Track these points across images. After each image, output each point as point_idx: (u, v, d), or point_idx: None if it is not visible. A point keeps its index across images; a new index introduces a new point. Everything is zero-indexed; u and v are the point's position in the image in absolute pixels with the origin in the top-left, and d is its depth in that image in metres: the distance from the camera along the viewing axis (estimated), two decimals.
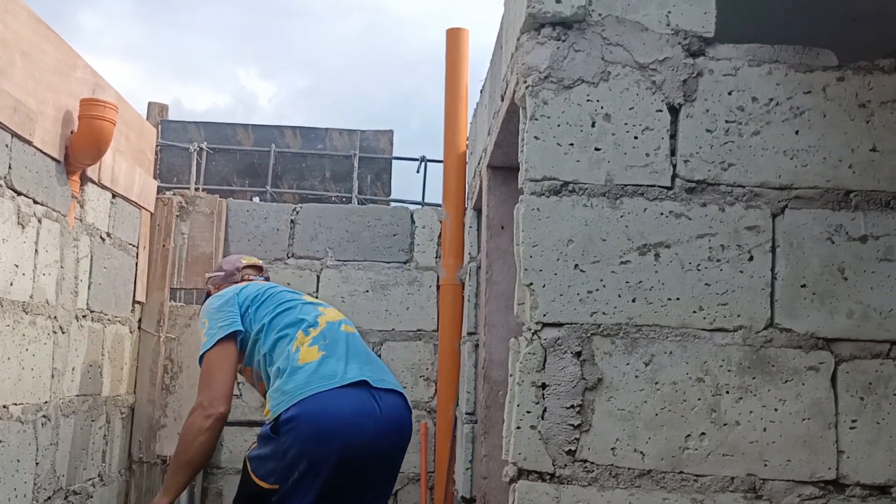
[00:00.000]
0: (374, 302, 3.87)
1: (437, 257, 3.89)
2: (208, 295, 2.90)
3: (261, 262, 3.01)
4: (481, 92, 3.16)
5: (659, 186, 1.79)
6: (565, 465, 1.73)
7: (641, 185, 1.79)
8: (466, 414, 3.24)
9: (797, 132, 1.80)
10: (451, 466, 3.66)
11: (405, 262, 3.91)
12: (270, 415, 2.38)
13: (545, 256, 1.77)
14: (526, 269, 1.77)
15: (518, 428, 1.73)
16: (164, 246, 3.69)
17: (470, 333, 3.30)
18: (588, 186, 1.79)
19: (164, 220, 3.71)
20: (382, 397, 2.40)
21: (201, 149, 3.87)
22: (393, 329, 3.86)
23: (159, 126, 3.93)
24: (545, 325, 1.76)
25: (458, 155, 3.82)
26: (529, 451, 1.73)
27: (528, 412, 1.73)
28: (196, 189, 3.87)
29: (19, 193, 2.47)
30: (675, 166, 1.80)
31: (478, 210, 3.33)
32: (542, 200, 1.79)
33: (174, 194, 3.78)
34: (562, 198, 1.79)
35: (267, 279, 2.95)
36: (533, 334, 1.76)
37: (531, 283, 1.77)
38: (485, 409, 2.52)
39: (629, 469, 1.72)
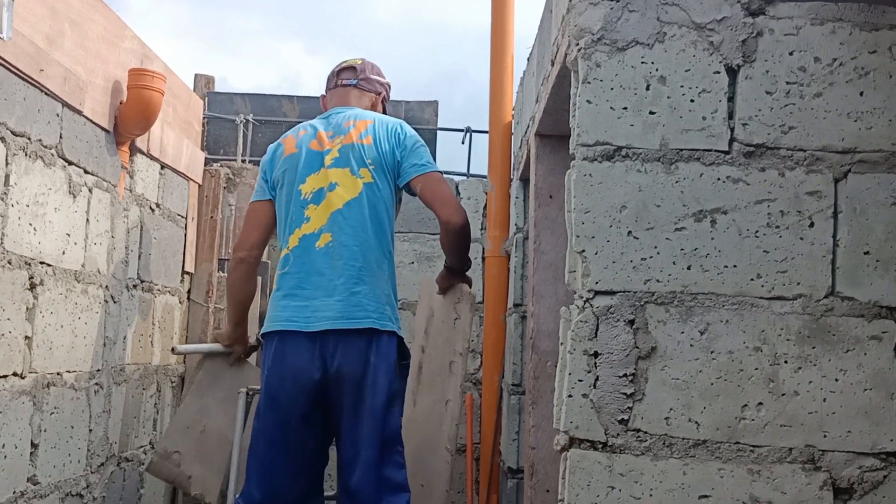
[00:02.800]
0: (419, 274, 3.85)
1: (482, 229, 3.86)
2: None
3: (359, 61, 2.91)
4: (528, 60, 3.11)
5: (716, 151, 1.74)
6: (618, 435, 1.70)
7: (697, 150, 1.74)
8: (512, 385, 3.23)
9: (862, 93, 1.73)
10: (497, 438, 3.65)
11: None
12: None
13: (598, 223, 1.74)
14: (578, 237, 1.74)
15: (570, 396, 1.71)
16: (211, 217, 3.72)
17: (516, 305, 3.28)
18: (642, 151, 1.74)
19: (212, 192, 3.73)
20: (327, 345, 2.44)
21: (247, 120, 3.88)
22: None
23: (206, 98, 3.95)
24: (597, 292, 1.73)
25: (503, 125, 3.78)
26: (581, 420, 1.70)
27: (580, 381, 1.71)
28: (243, 161, 3.88)
29: (70, 163, 2.49)
30: (732, 130, 1.74)
31: (524, 180, 3.30)
32: (595, 166, 1.75)
33: (221, 166, 3.80)
34: (615, 163, 1.75)
35: (361, 78, 2.85)
36: (585, 302, 1.73)
37: (583, 251, 1.73)
38: (533, 380, 2.50)
39: (683, 439, 1.69)
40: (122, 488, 2.98)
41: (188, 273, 3.62)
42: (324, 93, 2.91)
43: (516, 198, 3.32)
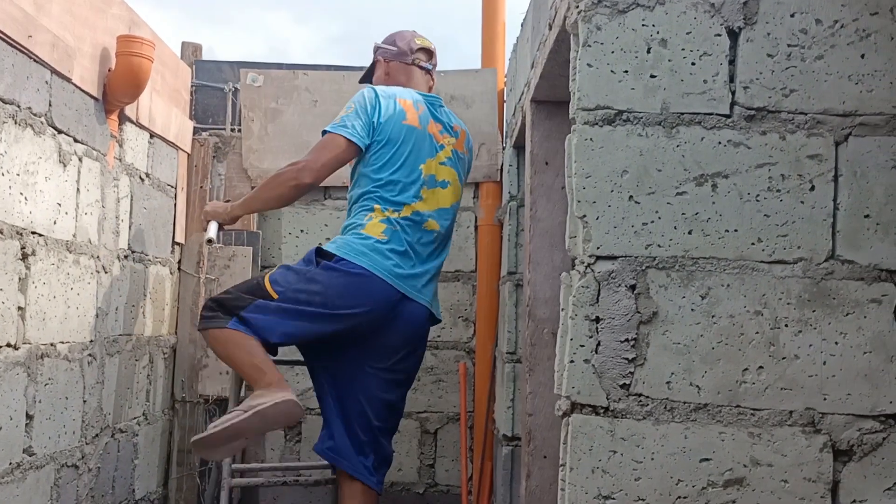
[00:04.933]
0: None
1: (474, 198, 3.85)
2: (373, 65, 3.01)
3: (433, 45, 2.98)
4: (522, 26, 3.08)
5: (717, 114, 1.73)
6: (619, 399, 1.70)
7: (699, 114, 1.73)
8: (507, 353, 3.23)
9: (863, 56, 1.73)
10: (491, 406, 3.67)
11: None
12: (330, 244, 2.68)
13: (599, 188, 1.73)
14: (579, 202, 1.73)
15: (571, 362, 1.71)
16: (201, 187, 3.68)
17: (510, 273, 3.27)
18: (643, 115, 1.73)
19: (201, 162, 3.70)
20: (408, 305, 2.67)
21: (236, 89, 3.83)
22: None
23: (193, 66, 3.89)
24: (599, 258, 1.72)
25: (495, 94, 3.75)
26: (583, 385, 1.70)
27: (582, 346, 1.71)
28: (232, 130, 3.83)
29: (60, 132, 2.45)
30: (733, 93, 1.73)
31: (518, 148, 3.28)
32: (596, 130, 1.74)
33: (210, 135, 3.75)
34: (616, 127, 1.73)
35: (434, 66, 2.98)
36: (586, 267, 1.72)
37: (584, 216, 1.73)
38: (530, 347, 2.50)
39: (685, 403, 1.70)
40: (117, 459, 2.98)
41: (178, 244, 3.59)
42: (383, 57, 2.95)
43: (510, 165, 3.30)
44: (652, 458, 1.69)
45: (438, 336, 3.82)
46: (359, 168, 2.77)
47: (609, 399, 1.70)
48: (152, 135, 3.22)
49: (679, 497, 1.69)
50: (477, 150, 3.70)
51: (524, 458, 2.50)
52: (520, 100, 2.97)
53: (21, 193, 2.23)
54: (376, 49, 3.02)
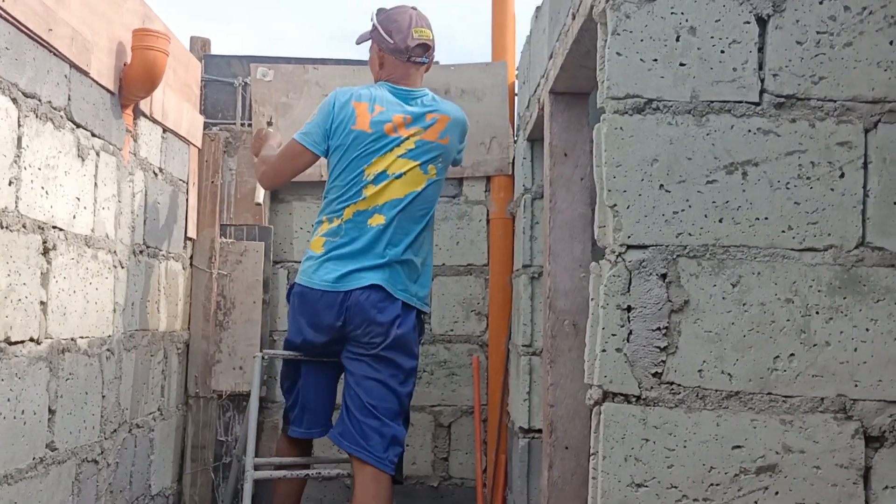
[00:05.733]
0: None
1: (486, 191, 3.85)
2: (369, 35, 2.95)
3: (431, 37, 2.90)
4: (536, 17, 3.07)
5: (746, 102, 1.73)
6: (651, 388, 1.70)
7: (728, 102, 1.73)
8: (523, 346, 3.23)
9: (892, 42, 1.73)
10: (505, 399, 3.68)
11: (454, 197, 3.87)
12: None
13: (629, 177, 1.72)
14: (609, 191, 1.73)
15: (603, 351, 1.71)
16: (212, 182, 3.67)
17: (525, 266, 3.27)
18: (673, 103, 1.73)
19: (212, 157, 3.69)
20: (352, 295, 2.72)
21: (245, 83, 3.82)
22: (443, 264, 3.84)
23: (202, 61, 3.87)
24: (629, 247, 1.72)
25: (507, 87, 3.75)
26: (615, 374, 1.70)
27: (614, 335, 1.71)
28: (242, 124, 3.83)
29: (78, 126, 2.45)
30: (763, 81, 1.73)
31: (531, 141, 3.28)
32: (625, 119, 1.73)
33: (220, 130, 3.75)
34: (645, 116, 1.73)
35: (431, 59, 2.94)
36: (617, 257, 1.72)
37: (615, 205, 1.72)
38: (550, 339, 2.50)
39: (716, 391, 1.70)
40: (134, 454, 2.97)
41: (191, 239, 3.58)
42: (378, 45, 2.90)
43: (523, 158, 3.30)
44: (684, 446, 1.69)
45: (451, 330, 3.82)
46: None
47: (641, 387, 1.70)
48: (165, 129, 3.22)
49: (712, 484, 1.69)
50: (488, 144, 3.70)
51: (545, 450, 2.50)
52: (535, 92, 2.96)
53: (42, 188, 2.23)
54: (373, 28, 2.92)
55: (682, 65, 1.73)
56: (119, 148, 2.77)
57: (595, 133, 1.79)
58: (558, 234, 2.53)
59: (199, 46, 3.92)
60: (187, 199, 3.51)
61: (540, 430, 3.21)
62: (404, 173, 2.79)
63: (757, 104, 1.73)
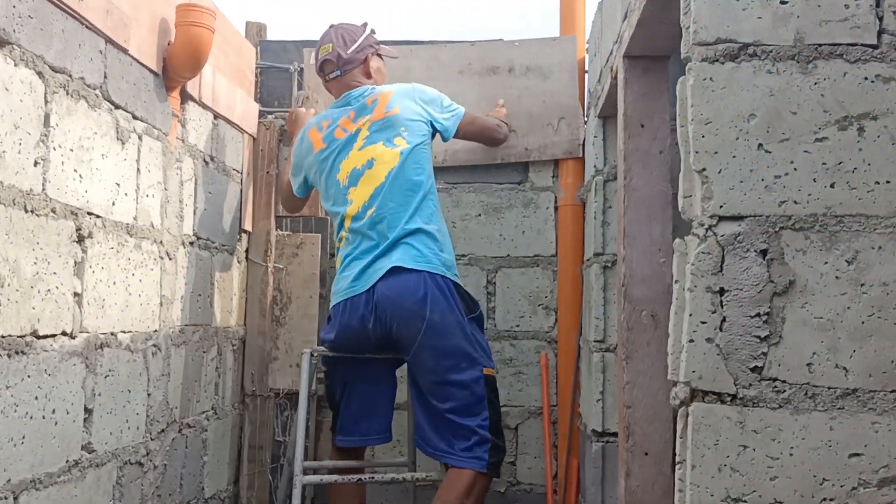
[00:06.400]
0: (486, 227, 3.61)
1: (553, 176, 3.60)
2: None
3: (329, 48, 2.93)
4: None
5: (862, 45, 1.46)
6: (750, 385, 1.45)
7: (840, 45, 1.46)
8: (595, 342, 2.98)
9: None
10: (576, 399, 3.43)
11: (519, 183, 3.63)
12: None
13: (721, 136, 1.47)
14: (697, 153, 1.48)
15: (691, 342, 1.46)
16: (267, 172, 3.52)
17: (597, 254, 3.02)
18: (773, 48, 1.47)
19: (268, 146, 3.53)
20: (375, 291, 2.60)
21: (302, 69, 3.66)
22: (508, 255, 3.61)
23: (258, 47, 3.73)
24: (722, 218, 1.47)
25: (577, 61, 3.50)
26: (705, 369, 1.45)
27: (703, 323, 1.46)
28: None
29: (117, 106, 2.30)
30: (881, 20, 1.46)
31: (603, 118, 3.02)
32: (716, 68, 1.48)
33: (276, 118, 3.59)
34: (740, 64, 1.48)
35: (344, 66, 2.92)
36: (707, 230, 1.47)
37: (703, 169, 1.47)
38: (626, 332, 2.25)
39: (829, 388, 1.43)
40: (185, 455, 2.83)
41: (246, 231, 3.43)
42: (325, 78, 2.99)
43: (594, 136, 3.05)
44: (790, 454, 1.43)
45: (517, 326, 3.59)
46: None
47: (737, 385, 1.45)
48: (216, 116, 3.07)
49: (824, 499, 1.43)
50: (556, 125, 3.46)
51: (622, 455, 2.25)
52: (606, 62, 2.71)
53: (75, 171, 2.08)
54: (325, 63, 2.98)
55: (783, 3, 1.47)
56: (164, 133, 2.62)
57: (679, 87, 1.54)
58: (634, 214, 2.27)
59: (255, 32, 3.78)
60: (241, 190, 3.36)
61: (615, 434, 2.96)
62: (373, 160, 2.74)
63: (874, 47, 1.45)
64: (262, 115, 3.59)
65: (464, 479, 2.50)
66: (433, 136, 2.89)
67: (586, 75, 3.52)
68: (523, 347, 3.58)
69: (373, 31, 3.02)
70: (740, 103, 1.47)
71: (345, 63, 2.91)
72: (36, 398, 1.91)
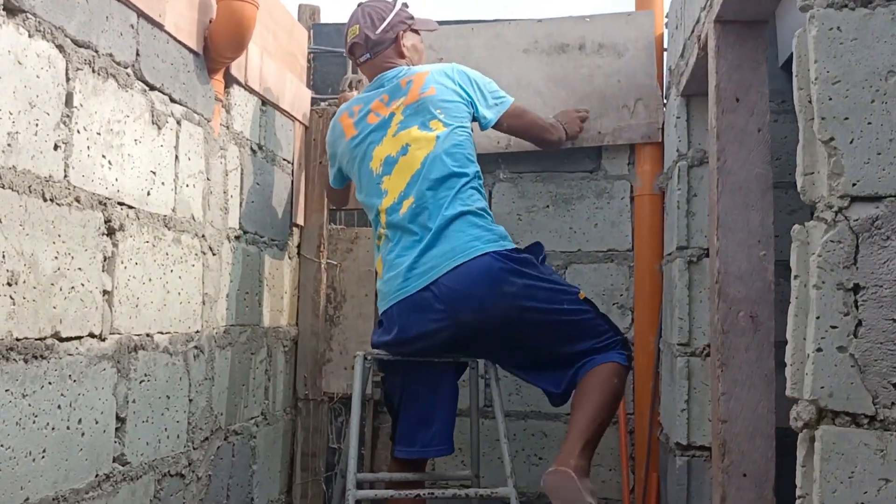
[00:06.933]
0: (555, 219, 3.35)
1: (629, 163, 3.31)
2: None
3: (356, 30, 2.75)
4: None
5: None
6: (893, 404, 1.17)
7: None
8: (679, 345, 2.70)
9: None
10: (655, 406, 3.14)
11: (592, 171, 3.35)
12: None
13: (852, 98, 1.19)
14: (823, 119, 1.20)
15: (818, 351, 1.18)
16: (320, 163, 3.31)
17: (680, 248, 2.74)
18: None
19: (320, 134, 3.32)
20: (441, 288, 2.36)
21: None
22: (579, 250, 3.34)
23: (310, 31, 3.54)
24: (855, 199, 1.19)
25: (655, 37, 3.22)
26: (837, 384, 1.18)
27: (834, 327, 1.18)
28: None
29: (152, 87, 2.11)
30: None
31: (686, 96, 2.73)
32: (845, 15, 1.20)
33: (329, 105, 3.38)
34: (875, 9, 1.20)
35: (373, 49, 2.73)
36: (836, 214, 1.19)
37: (831, 139, 1.20)
38: (721, 336, 1.97)
39: None
40: (231, 465, 2.64)
41: (297, 226, 3.24)
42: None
43: (677, 118, 2.76)
44: None
45: None
46: None
47: (877, 404, 1.17)
48: (264, 102, 2.87)
49: None
50: (632, 107, 3.17)
51: (717, 477, 1.97)
52: (692, 32, 2.42)
53: (103, 156, 1.89)
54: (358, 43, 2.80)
55: None
56: (207, 118, 2.43)
57: (797, 41, 1.27)
58: (729, 201, 1.99)
59: (308, 15, 3.58)
60: (292, 182, 3.17)
61: (701, 447, 2.67)
62: (408, 145, 2.54)
63: None
64: (314, 102, 3.39)
65: (607, 368, 2.36)
66: (474, 120, 2.68)
67: (665, 53, 3.23)
68: None
69: (405, 5, 2.79)
70: (876, 57, 1.19)
71: (374, 45, 2.72)
72: (59, 407, 1.72)
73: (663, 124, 3.17)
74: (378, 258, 2.56)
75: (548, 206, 3.36)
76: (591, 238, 3.34)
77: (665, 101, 3.16)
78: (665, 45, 3.22)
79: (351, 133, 2.65)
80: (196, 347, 2.37)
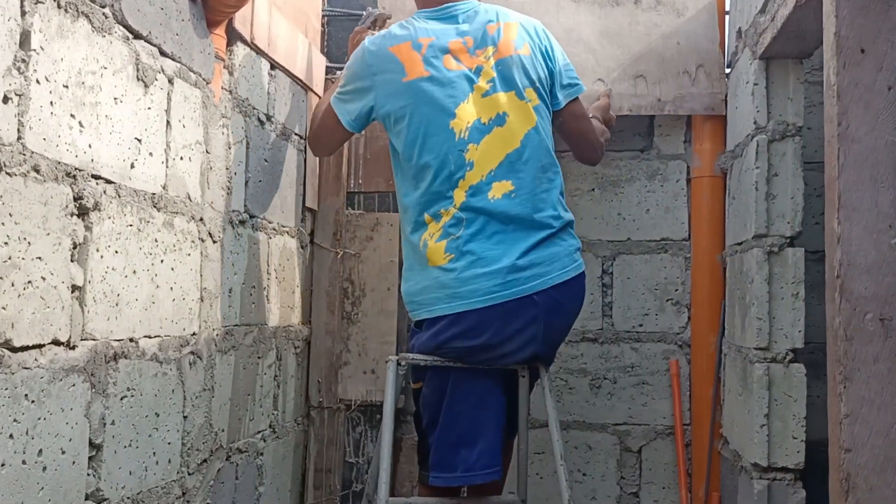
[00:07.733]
0: (601, 204, 2.96)
1: (685, 141, 2.92)
2: None
3: None
4: None
5: None
6: None
7: None
8: (757, 349, 2.32)
9: None
10: (716, 417, 2.77)
11: (643, 150, 2.96)
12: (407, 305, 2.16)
13: None
14: None
15: None
16: None
17: (758, 236, 2.35)
18: None
19: None
20: (546, 298, 2.03)
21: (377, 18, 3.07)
22: (628, 239, 2.95)
23: None
24: None
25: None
26: None
27: None
28: None
29: (137, 35, 1.72)
30: None
31: (766, 59, 2.34)
32: None
33: None
34: None
35: None
36: None
37: None
38: (843, 343, 1.58)
39: None
40: (235, 489, 2.26)
41: (310, 210, 2.85)
42: None
43: (754, 84, 2.37)
44: None
45: (640, 325, 2.93)
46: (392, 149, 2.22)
47: None
48: (273, 65, 2.48)
49: None
50: (693, 73, 2.78)
51: None
52: None
53: (72, 116, 1.50)
54: None
55: None
56: (206, 79, 2.04)
57: None
58: (854, 175, 1.60)
59: None
60: (305, 159, 2.78)
61: (784, 468, 2.30)
62: (505, 114, 2.09)
63: None
64: (329, 71, 2.99)
65: None
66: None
67: (728, 16, 2.83)
68: (647, 352, 2.92)
69: None
70: None
71: None
72: (11, 437, 1.33)
73: (726, 96, 2.78)
74: (431, 241, 2.07)
75: (593, 190, 2.97)
76: (643, 225, 2.95)
77: (730, 66, 2.76)
78: (726, 9, 2.83)
79: (419, 72, 2.11)
80: (192, 353, 1.98)
